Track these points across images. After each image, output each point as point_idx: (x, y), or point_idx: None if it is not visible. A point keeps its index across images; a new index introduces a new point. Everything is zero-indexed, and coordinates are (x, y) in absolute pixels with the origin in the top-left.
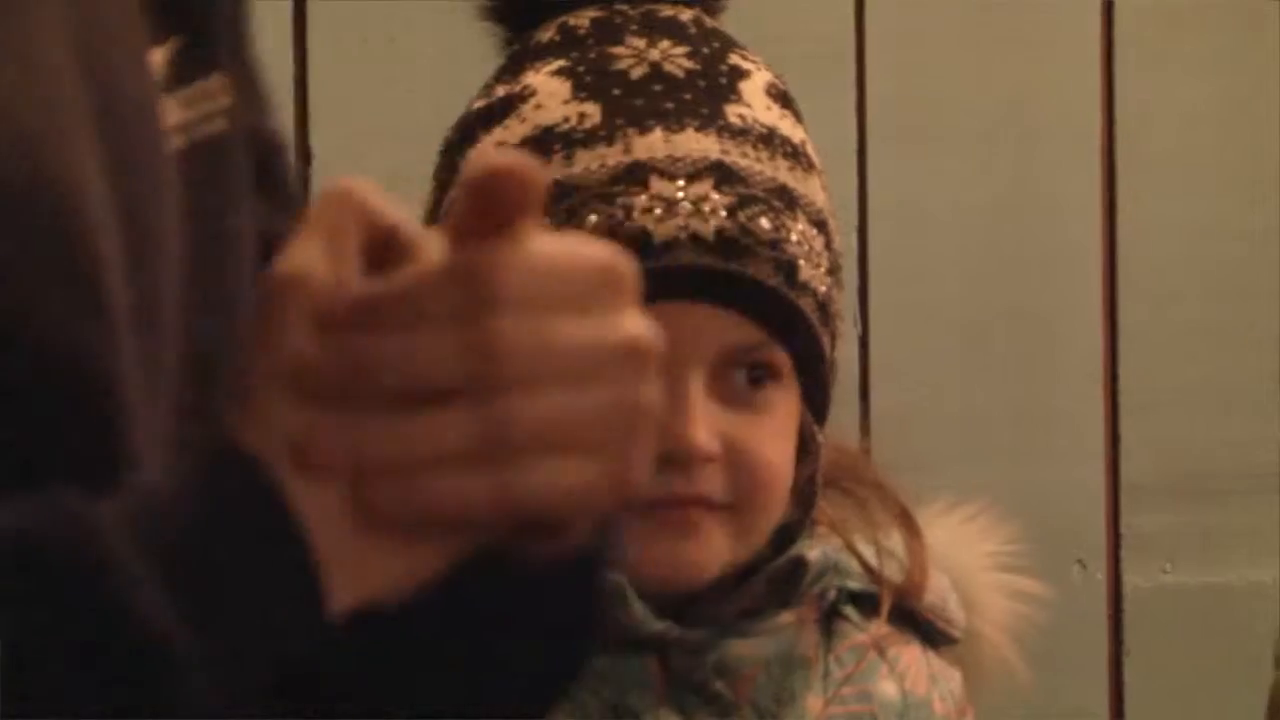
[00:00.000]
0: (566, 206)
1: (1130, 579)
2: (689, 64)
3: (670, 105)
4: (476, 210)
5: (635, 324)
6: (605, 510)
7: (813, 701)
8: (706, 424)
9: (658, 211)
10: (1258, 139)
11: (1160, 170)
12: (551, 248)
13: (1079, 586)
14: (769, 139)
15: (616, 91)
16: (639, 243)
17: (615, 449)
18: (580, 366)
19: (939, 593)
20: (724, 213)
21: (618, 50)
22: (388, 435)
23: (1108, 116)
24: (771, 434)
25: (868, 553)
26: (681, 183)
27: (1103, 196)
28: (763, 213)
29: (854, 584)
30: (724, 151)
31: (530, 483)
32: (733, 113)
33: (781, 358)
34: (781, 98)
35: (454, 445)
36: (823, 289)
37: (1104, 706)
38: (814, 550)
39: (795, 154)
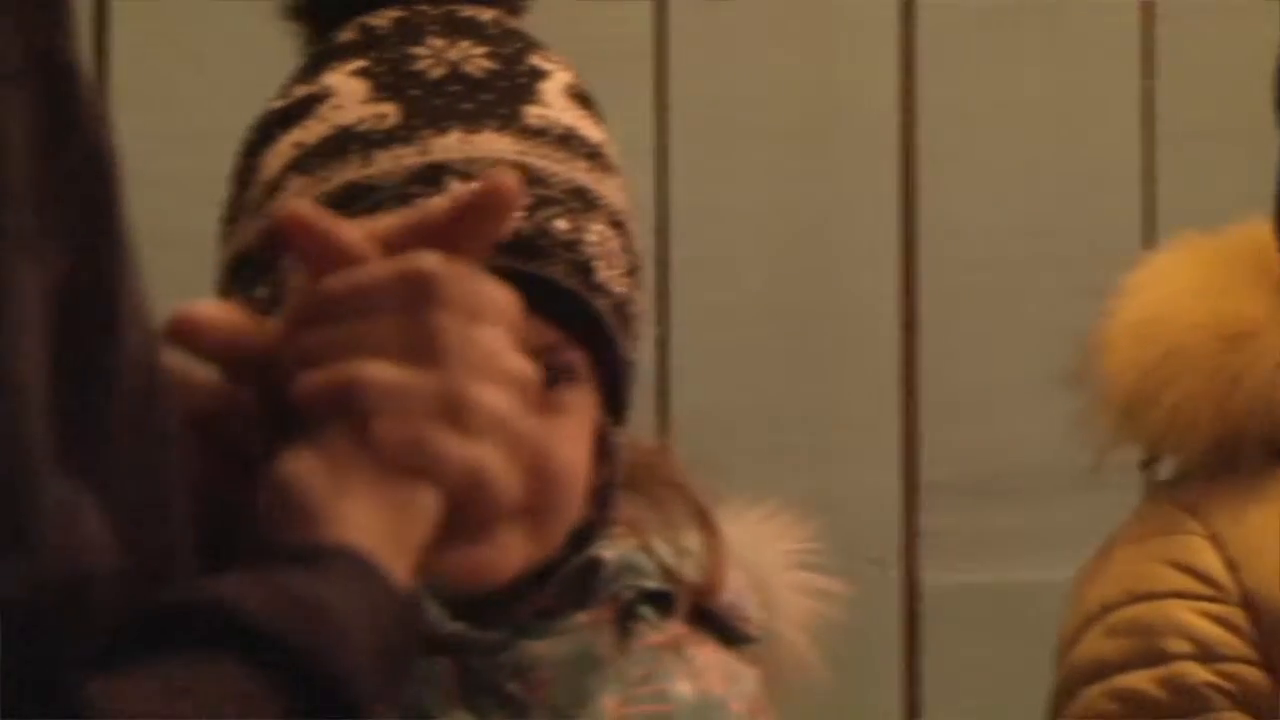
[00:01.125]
0: (364, 207)
1: (926, 578)
2: (488, 65)
3: (469, 106)
4: (458, 221)
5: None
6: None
7: (609, 702)
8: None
9: None
10: (1056, 138)
11: (959, 170)
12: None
13: (875, 585)
14: (568, 140)
15: (415, 92)
16: None
17: (516, 454)
18: (497, 370)
19: (737, 592)
20: (521, 214)
21: (417, 51)
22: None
23: (907, 116)
24: (569, 435)
25: (665, 552)
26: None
27: (901, 196)
28: (560, 214)
29: (651, 584)
30: (522, 152)
31: (480, 456)
32: (532, 114)
33: (578, 359)
34: (581, 99)
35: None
36: (620, 290)
37: (899, 705)
38: (611, 551)
39: (594, 155)
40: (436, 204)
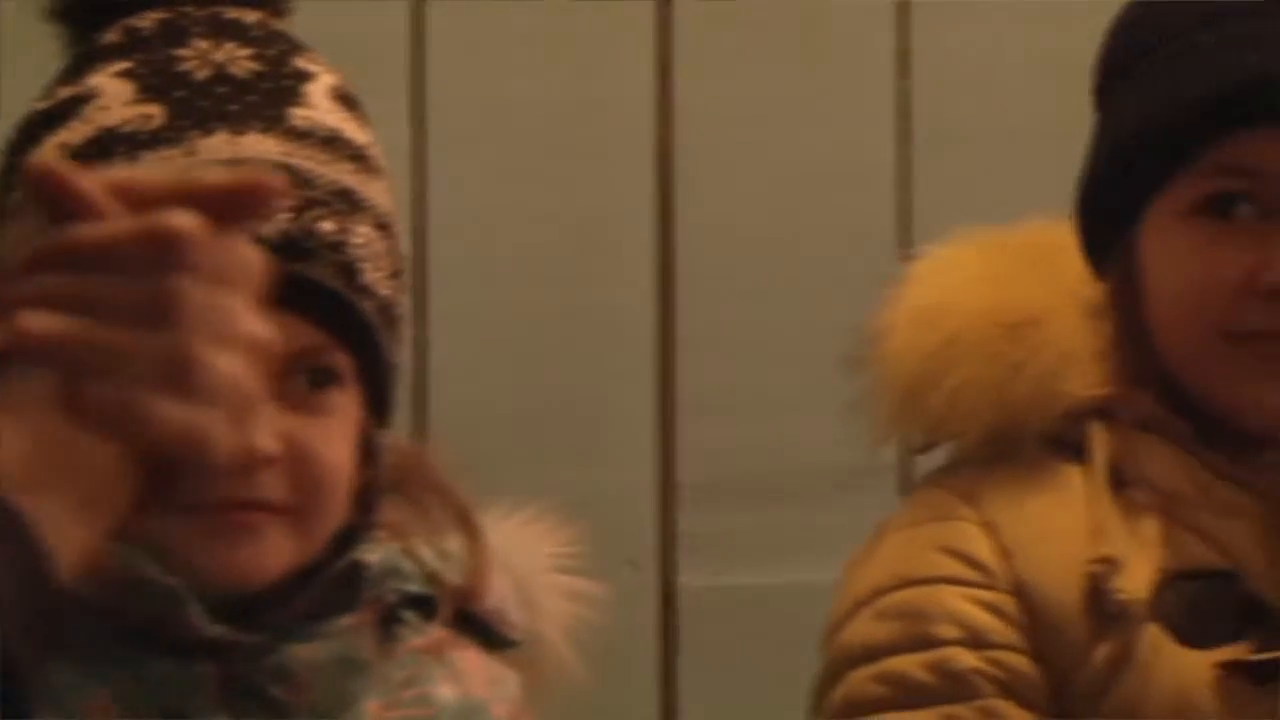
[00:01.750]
0: None
1: (683, 580)
2: (254, 66)
3: (235, 107)
4: (218, 199)
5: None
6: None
7: (372, 706)
8: (268, 427)
9: None
10: (812, 139)
11: (716, 170)
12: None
13: (632, 587)
14: (333, 141)
15: (181, 93)
16: None
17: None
18: (233, 335)
19: (500, 596)
20: (287, 215)
21: (182, 52)
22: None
23: (664, 117)
24: (333, 437)
25: (428, 556)
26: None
27: (658, 196)
28: (326, 215)
29: (414, 587)
30: (288, 154)
31: (200, 421)
32: (297, 115)
33: (343, 361)
34: (346, 100)
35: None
36: (385, 292)
37: (656, 707)
38: (374, 554)
39: (359, 157)
40: (201, 175)
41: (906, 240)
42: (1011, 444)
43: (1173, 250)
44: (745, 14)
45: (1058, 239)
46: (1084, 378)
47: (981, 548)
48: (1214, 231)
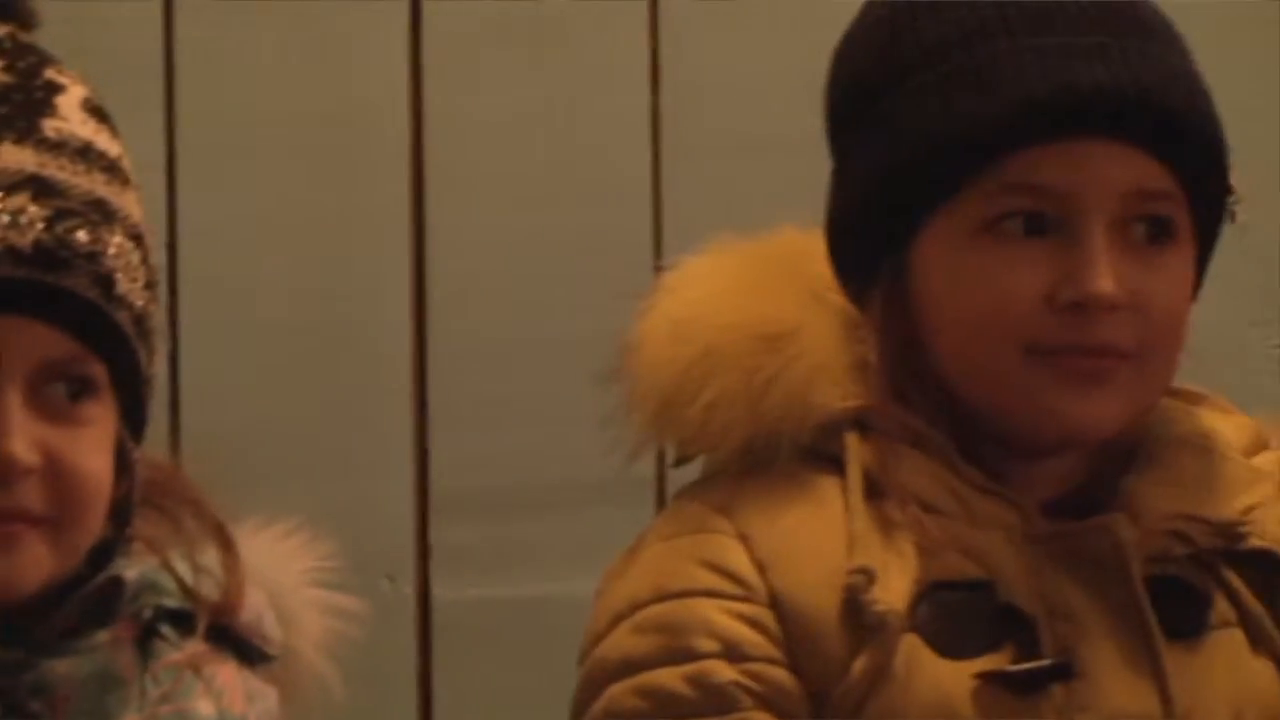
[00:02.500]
0: None
1: (439, 593)
2: (4, 78)
3: None
4: None
5: None
6: None
7: None
8: (25, 437)
9: None
10: (566, 151)
11: (469, 182)
12: None
13: (389, 601)
14: (86, 153)
15: None
16: None
17: None
18: None
19: (255, 610)
20: (41, 225)
21: None
22: None
23: (416, 129)
24: (91, 448)
25: (184, 570)
26: None
27: (412, 209)
28: (80, 225)
29: (171, 602)
30: (41, 165)
31: None
32: (49, 127)
33: (99, 371)
34: (97, 112)
35: None
36: (140, 303)
37: None
38: (131, 569)
39: (112, 168)
40: None
41: (659, 251)
42: (767, 456)
43: (964, 269)
44: (499, 22)
45: (811, 248)
46: (839, 389)
47: (738, 560)
48: (1008, 249)
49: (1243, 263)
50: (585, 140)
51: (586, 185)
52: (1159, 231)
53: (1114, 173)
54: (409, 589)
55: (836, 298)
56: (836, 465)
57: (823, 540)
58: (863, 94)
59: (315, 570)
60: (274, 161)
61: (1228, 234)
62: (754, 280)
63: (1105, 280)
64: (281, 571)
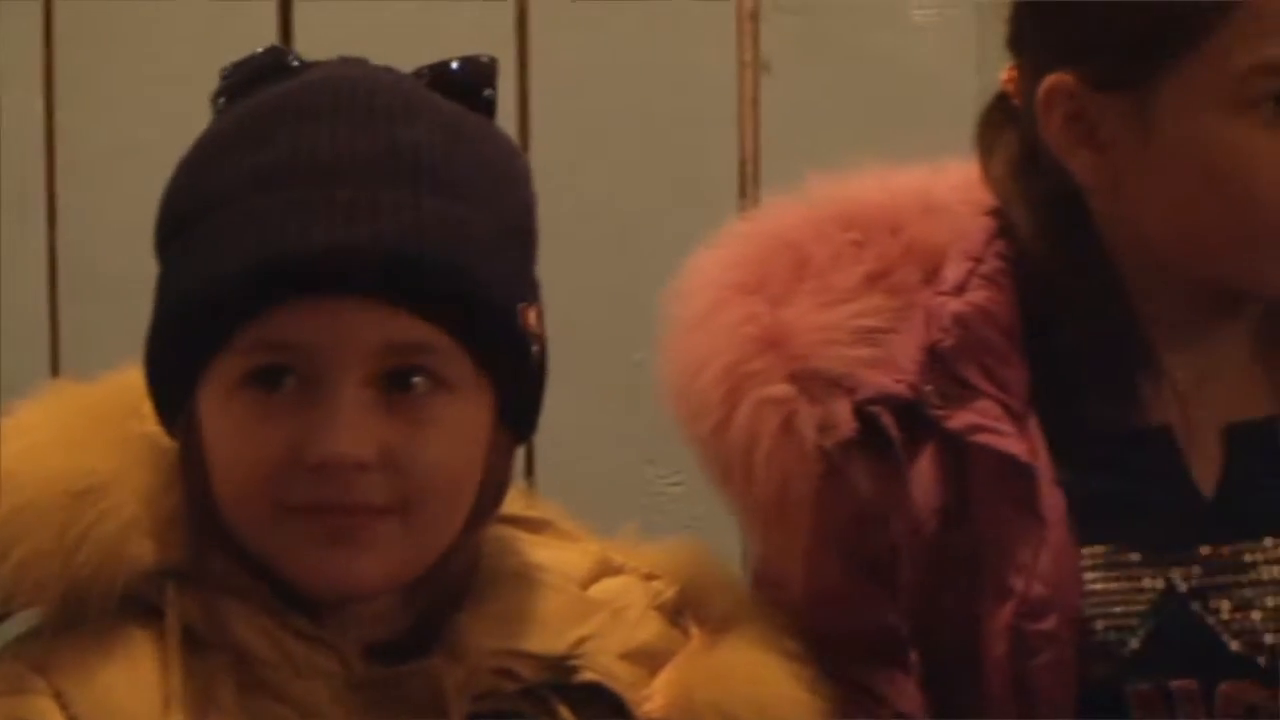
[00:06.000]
0: None
1: None
2: None
3: None
4: None
5: None
6: None
7: None
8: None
9: None
10: None
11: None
12: None
13: None
14: None
15: None
16: None
17: None
18: None
19: None
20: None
21: None
22: None
23: None
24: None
25: None
26: None
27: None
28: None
29: None
30: None
31: None
32: None
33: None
34: None
35: None
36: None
37: None
38: None
39: None
40: None
41: None
42: (83, 612)
43: (224, 422)
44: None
45: (132, 397)
46: (155, 541)
47: None
48: (260, 405)
49: (643, 401)
50: None
51: None
52: (421, 385)
53: (361, 329)
54: None
55: (154, 447)
56: (159, 618)
57: (139, 697)
58: (158, 238)
59: None
60: None
61: (623, 370)
62: (74, 432)
63: (345, 440)
64: None
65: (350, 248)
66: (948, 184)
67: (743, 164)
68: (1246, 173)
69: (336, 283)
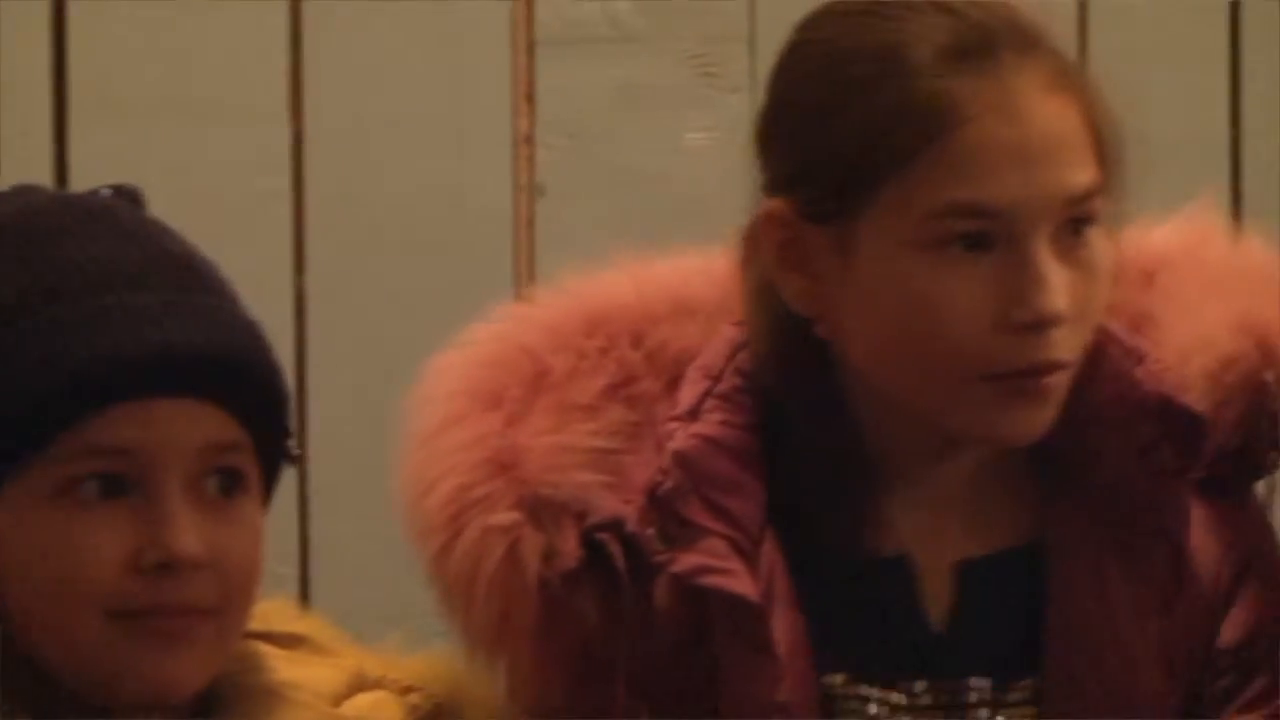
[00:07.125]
0: None
1: None
2: None
3: None
4: None
5: None
6: None
7: None
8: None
9: None
10: None
11: None
12: None
13: None
14: None
15: None
16: None
17: None
18: None
19: None
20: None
21: None
22: None
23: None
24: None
25: None
26: None
27: None
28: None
29: None
30: None
31: None
32: None
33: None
34: None
35: None
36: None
37: None
38: None
39: None
40: None
41: None
42: None
43: (40, 535)
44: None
45: None
46: None
47: None
48: (86, 512)
49: None
50: None
51: None
52: (231, 484)
53: (185, 429)
54: None
55: None
56: None
57: None
58: None
59: None
60: None
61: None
62: None
63: (186, 540)
64: None
65: (172, 349)
66: (710, 279)
67: (518, 287)
68: (936, 313)
69: (162, 384)
